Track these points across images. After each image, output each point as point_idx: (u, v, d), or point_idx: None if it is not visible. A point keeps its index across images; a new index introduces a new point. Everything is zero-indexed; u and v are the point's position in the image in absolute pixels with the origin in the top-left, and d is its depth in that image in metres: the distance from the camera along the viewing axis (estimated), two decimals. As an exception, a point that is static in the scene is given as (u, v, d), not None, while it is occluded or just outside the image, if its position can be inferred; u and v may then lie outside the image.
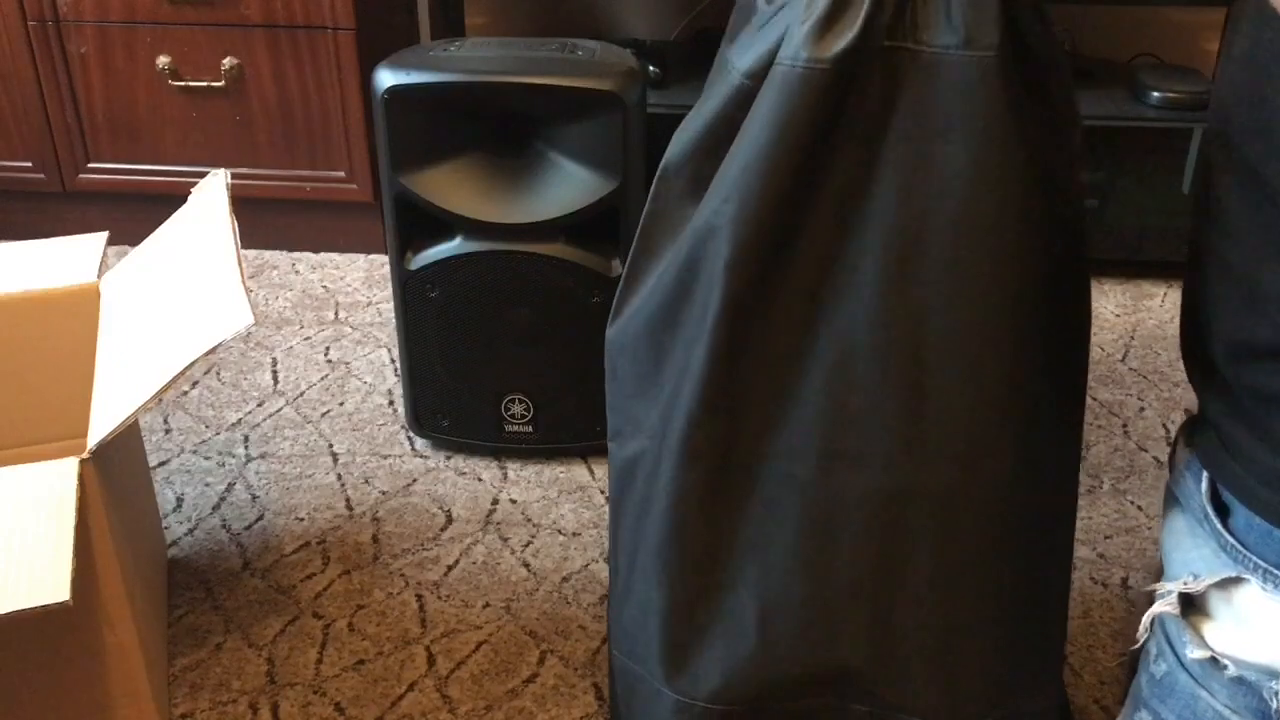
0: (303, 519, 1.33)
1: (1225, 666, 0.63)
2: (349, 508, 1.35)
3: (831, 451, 0.77)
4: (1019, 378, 0.74)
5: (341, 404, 1.54)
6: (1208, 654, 0.64)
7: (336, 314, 1.76)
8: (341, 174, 1.83)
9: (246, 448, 1.45)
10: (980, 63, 0.66)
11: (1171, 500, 0.70)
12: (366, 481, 1.39)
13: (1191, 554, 0.65)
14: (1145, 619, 0.68)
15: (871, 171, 0.71)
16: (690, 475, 0.80)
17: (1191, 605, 0.66)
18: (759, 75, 0.72)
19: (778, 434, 0.79)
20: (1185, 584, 0.65)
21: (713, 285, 0.75)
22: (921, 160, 0.70)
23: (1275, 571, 0.60)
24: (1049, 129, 0.71)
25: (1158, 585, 0.68)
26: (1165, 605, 0.66)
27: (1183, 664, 0.66)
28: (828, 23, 0.68)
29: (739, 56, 0.75)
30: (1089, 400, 1.55)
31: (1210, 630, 0.65)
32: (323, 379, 1.60)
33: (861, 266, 0.74)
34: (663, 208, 0.82)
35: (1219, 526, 0.63)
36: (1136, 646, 0.71)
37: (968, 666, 0.83)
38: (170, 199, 1.21)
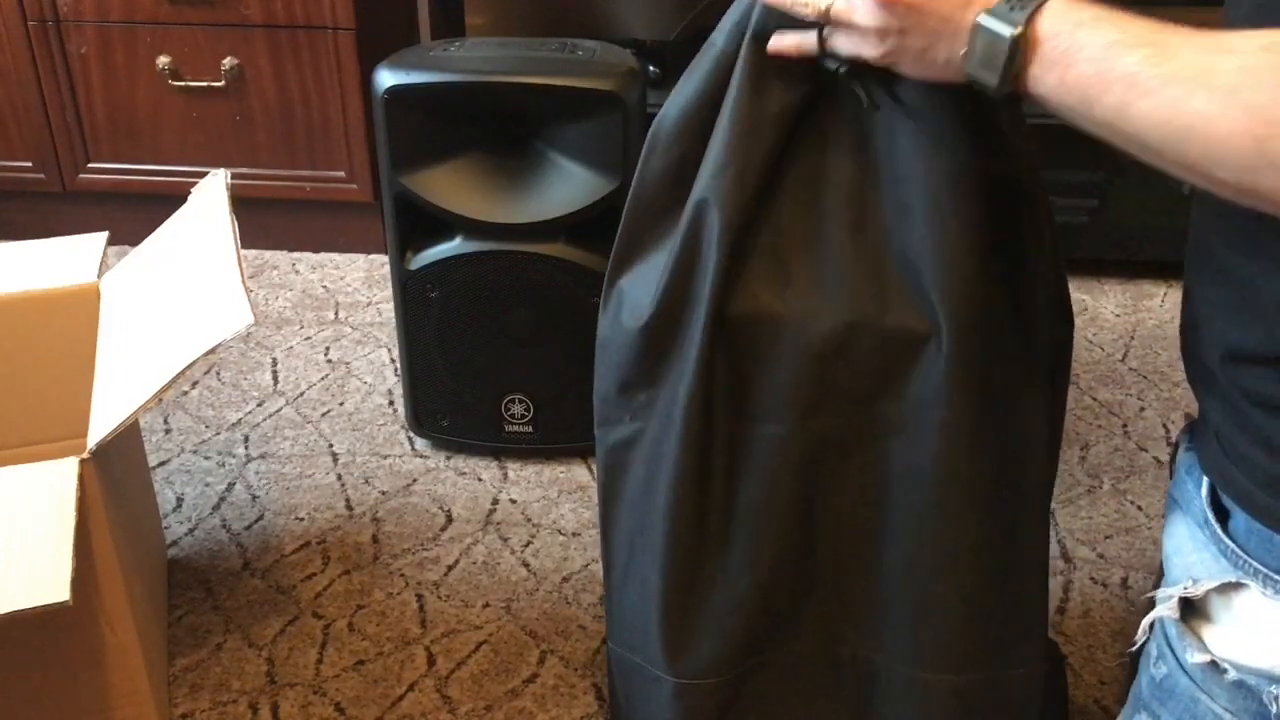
0: (303, 519, 1.33)
1: (1225, 671, 0.63)
2: (349, 508, 1.35)
3: (809, 404, 0.81)
4: (969, 319, 0.77)
5: (341, 404, 1.54)
6: (1208, 658, 0.63)
7: (336, 314, 1.76)
8: (341, 174, 1.83)
9: (246, 448, 1.45)
10: None
11: (1172, 504, 0.70)
12: (366, 481, 1.39)
13: (1192, 558, 0.65)
14: (1145, 622, 0.68)
15: (831, 133, 0.78)
16: (691, 449, 0.82)
17: (1192, 609, 0.66)
18: (735, 45, 0.78)
19: (762, 397, 0.81)
20: (1185, 589, 0.64)
21: (709, 258, 0.78)
22: (870, 120, 0.77)
23: (1275, 577, 0.60)
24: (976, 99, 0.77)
25: (1159, 591, 0.67)
26: (1165, 610, 0.66)
27: (1183, 667, 0.65)
28: None
29: (718, 32, 0.80)
30: (1089, 400, 1.55)
31: (1210, 634, 0.64)
32: (323, 379, 1.60)
33: (828, 218, 0.79)
34: (649, 194, 0.84)
35: (1219, 531, 0.63)
36: (1135, 648, 0.71)
37: (941, 621, 0.86)
38: (170, 199, 1.21)
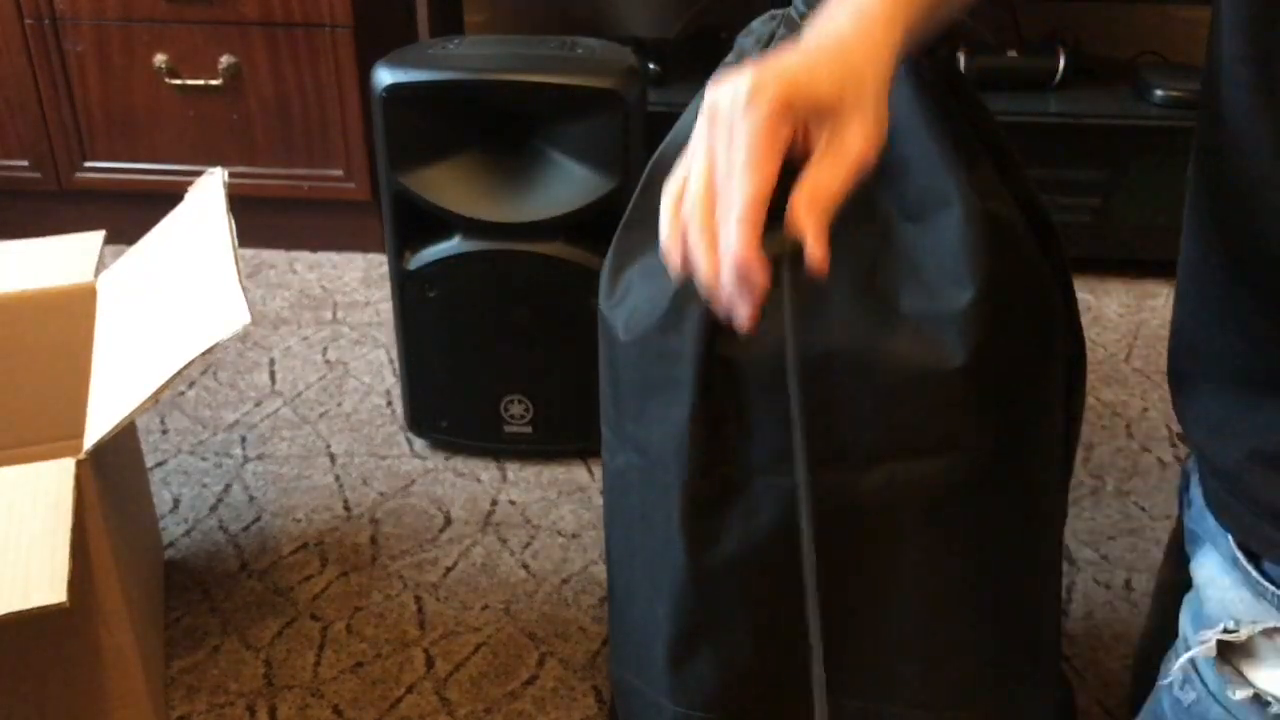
0: (300, 520, 1.32)
1: (1269, 704, 0.61)
2: (347, 509, 1.34)
3: (815, 456, 0.78)
4: (988, 354, 0.75)
5: (339, 404, 1.54)
6: (1251, 693, 0.61)
7: (334, 314, 1.76)
8: (339, 173, 1.82)
9: (244, 448, 1.45)
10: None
11: (1193, 536, 0.68)
12: (365, 482, 1.39)
13: (1229, 594, 0.63)
14: (1181, 660, 0.66)
15: None
16: (683, 491, 0.81)
17: (1229, 644, 0.64)
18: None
19: (763, 446, 0.79)
20: (1226, 630, 0.62)
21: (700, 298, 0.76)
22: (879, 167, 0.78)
23: None
24: (965, 122, 0.79)
25: (1196, 633, 0.65)
26: (1203, 651, 0.63)
27: (1213, 695, 0.63)
28: None
29: (726, 68, 0.79)
30: (1092, 401, 1.54)
31: (1254, 670, 0.62)
32: (320, 379, 1.59)
33: (836, 264, 0.77)
34: (647, 223, 0.82)
35: (1254, 574, 0.61)
36: (1166, 681, 0.68)
37: (957, 661, 0.84)
38: (167, 198, 1.20)
